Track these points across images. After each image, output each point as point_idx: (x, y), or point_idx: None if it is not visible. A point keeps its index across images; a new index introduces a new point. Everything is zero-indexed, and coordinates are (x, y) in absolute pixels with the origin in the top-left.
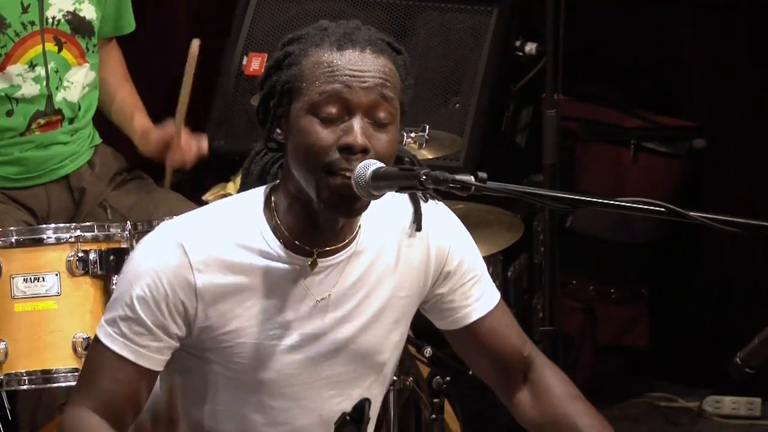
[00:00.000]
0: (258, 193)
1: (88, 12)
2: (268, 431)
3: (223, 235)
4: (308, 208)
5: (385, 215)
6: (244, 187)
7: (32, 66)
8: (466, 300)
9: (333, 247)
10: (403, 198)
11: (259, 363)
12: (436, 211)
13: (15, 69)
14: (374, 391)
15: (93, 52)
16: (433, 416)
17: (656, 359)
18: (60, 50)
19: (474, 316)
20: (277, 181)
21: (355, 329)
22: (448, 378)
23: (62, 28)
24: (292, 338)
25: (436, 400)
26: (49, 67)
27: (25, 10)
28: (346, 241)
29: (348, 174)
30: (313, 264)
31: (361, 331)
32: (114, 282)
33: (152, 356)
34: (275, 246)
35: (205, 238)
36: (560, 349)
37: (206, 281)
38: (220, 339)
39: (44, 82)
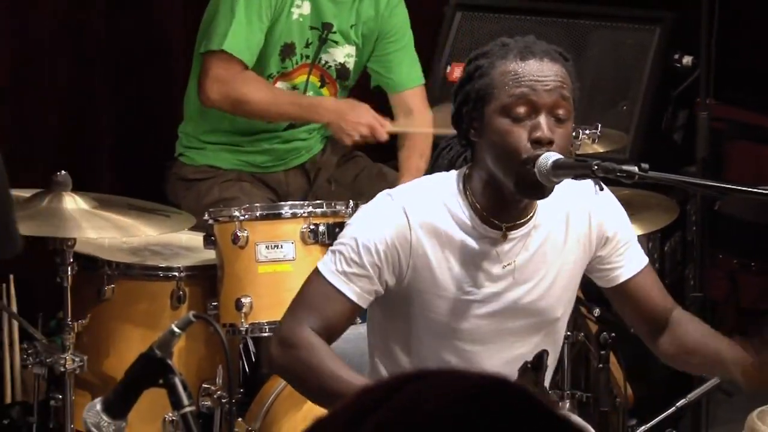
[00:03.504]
0: (453, 177)
1: (352, 64)
2: None
3: (435, 206)
4: (499, 190)
5: (555, 198)
6: (433, 169)
7: (294, 88)
8: (619, 263)
9: (516, 222)
10: (568, 184)
11: (454, 314)
12: (593, 191)
13: (282, 86)
14: (548, 342)
15: (341, 92)
16: (600, 366)
17: None
18: (322, 86)
19: (625, 276)
20: (465, 169)
21: (533, 290)
22: (613, 334)
23: (330, 72)
24: (482, 295)
25: (603, 353)
26: (307, 94)
27: (307, 44)
28: (527, 218)
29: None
30: (504, 236)
31: (539, 292)
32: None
33: (364, 296)
34: (472, 220)
35: (422, 206)
36: (708, 312)
37: (420, 241)
38: (423, 291)
39: None
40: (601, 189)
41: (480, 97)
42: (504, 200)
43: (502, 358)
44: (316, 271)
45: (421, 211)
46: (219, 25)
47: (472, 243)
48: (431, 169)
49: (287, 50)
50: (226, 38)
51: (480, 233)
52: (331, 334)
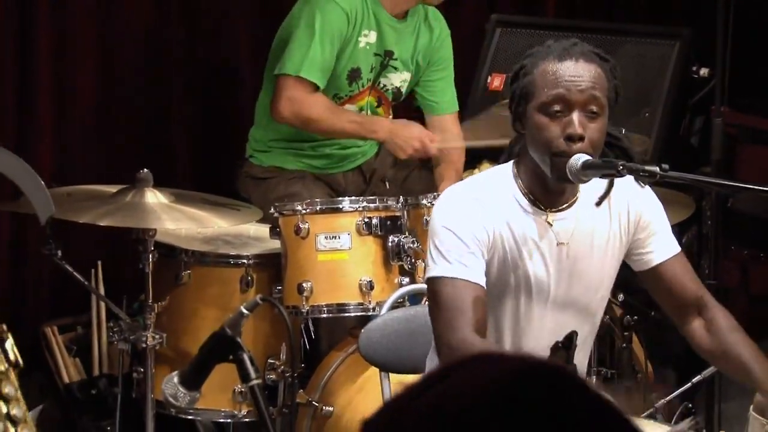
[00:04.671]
0: (507, 167)
1: (405, 88)
2: (517, 343)
3: (497, 193)
4: (542, 177)
5: (599, 188)
6: (508, 158)
7: (360, 110)
8: (654, 247)
9: (564, 206)
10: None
11: (516, 290)
12: (635, 184)
13: (349, 107)
14: (596, 318)
15: (390, 111)
16: (624, 345)
17: None
18: (378, 106)
19: (658, 260)
20: (512, 160)
21: (587, 266)
22: (635, 317)
23: (387, 95)
24: (542, 271)
25: (626, 334)
26: (367, 113)
27: (371, 70)
28: (570, 202)
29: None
30: (548, 219)
31: (591, 267)
32: (391, 241)
33: (482, 274)
34: (526, 204)
35: (489, 195)
36: (721, 298)
37: (493, 223)
38: (499, 272)
39: None
40: (642, 186)
41: (523, 94)
42: (547, 186)
43: (557, 335)
44: (436, 279)
45: (488, 199)
46: (295, 50)
47: (531, 223)
48: (506, 158)
49: (354, 75)
50: (303, 64)
51: (534, 214)
52: (482, 323)
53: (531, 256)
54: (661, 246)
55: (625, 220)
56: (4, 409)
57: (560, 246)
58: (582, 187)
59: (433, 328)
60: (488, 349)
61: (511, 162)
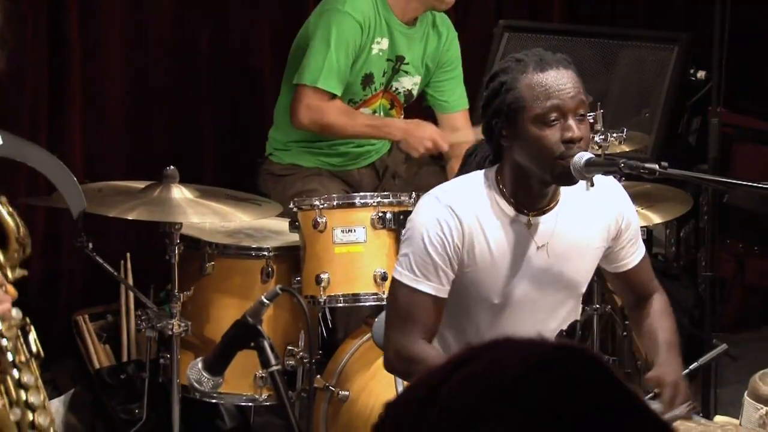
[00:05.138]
0: (487, 174)
1: (416, 91)
2: None
3: (476, 199)
4: (528, 183)
5: (584, 192)
6: (462, 172)
7: (374, 112)
8: (630, 254)
9: (543, 209)
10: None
11: (494, 291)
12: (617, 188)
13: (364, 110)
14: (572, 314)
15: (402, 112)
16: (624, 334)
17: None
18: (391, 108)
19: (631, 265)
20: (495, 166)
21: (564, 268)
22: None
23: (399, 98)
24: (519, 273)
25: (626, 323)
26: (380, 115)
27: (383, 74)
28: (552, 205)
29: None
30: (530, 221)
31: (569, 269)
32: (403, 236)
33: (443, 287)
34: (507, 208)
35: (465, 201)
36: (717, 289)
37: (470, 231)
38: (475, 273)
39: None
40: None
41: (512, 109)
42: (531, 191)
43: (535, 332)
44: (398, 283)
45: (465, 206)
46: (312, 61)
47: (509, 227)
48: (461, 172)
49: (368, 80)
50: (320, 75)
51: (514, 218)
52: (433, 331)
53: (508, 260)
54: (636, 252)
55: (610, 223)
56: (24, 397)
57: (540, 249)
58: (563, 191)
59: (385, 323)
60: (435, 358)
61: (488, 170)
